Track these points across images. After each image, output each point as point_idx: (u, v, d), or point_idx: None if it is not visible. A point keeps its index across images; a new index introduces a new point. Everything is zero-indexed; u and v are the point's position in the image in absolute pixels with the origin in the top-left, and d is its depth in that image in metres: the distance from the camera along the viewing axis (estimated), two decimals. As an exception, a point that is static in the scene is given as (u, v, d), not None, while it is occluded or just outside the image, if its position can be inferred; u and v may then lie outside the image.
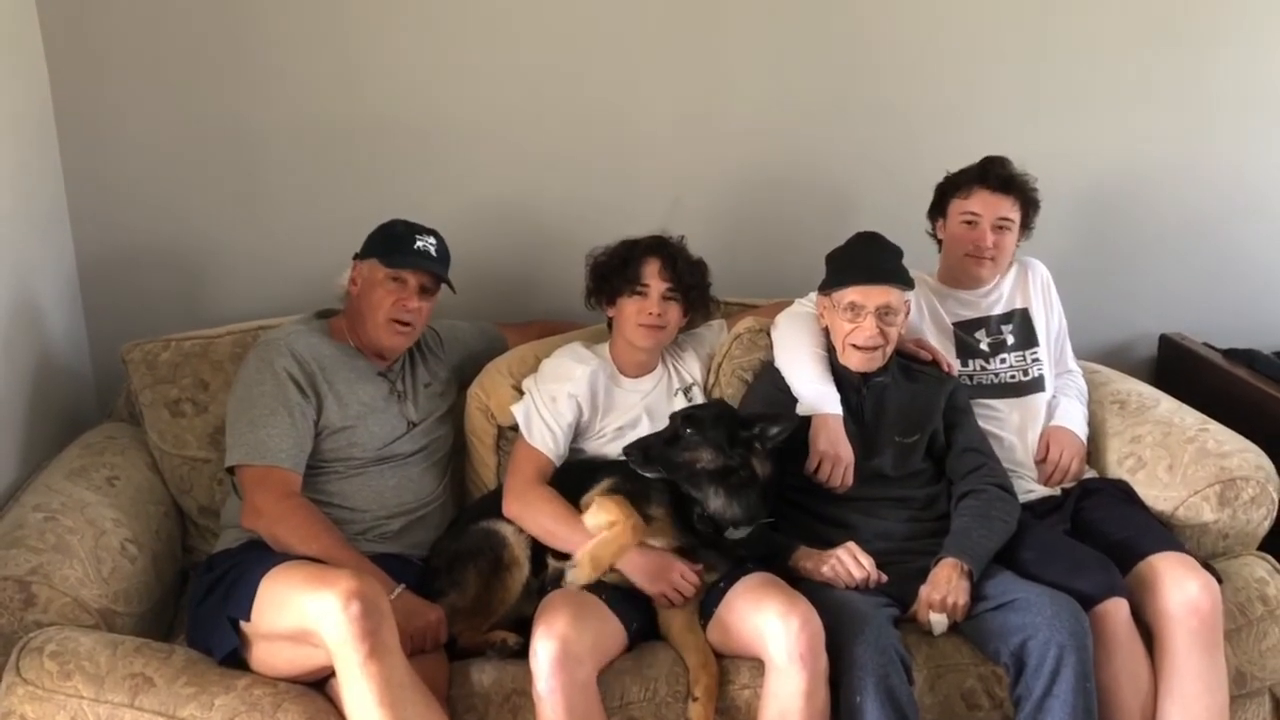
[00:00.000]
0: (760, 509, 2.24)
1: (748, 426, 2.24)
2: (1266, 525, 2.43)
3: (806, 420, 2.36)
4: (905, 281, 2.41)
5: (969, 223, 2.59)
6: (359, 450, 2.33)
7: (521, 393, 2.50)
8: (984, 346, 2.64)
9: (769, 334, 2.60)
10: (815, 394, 2.40)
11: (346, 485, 2.32)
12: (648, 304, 2.43)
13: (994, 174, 2.57)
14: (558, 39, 2.89)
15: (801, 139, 3.04)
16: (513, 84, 2.89)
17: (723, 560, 2.23)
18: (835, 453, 2.33)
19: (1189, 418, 2.58)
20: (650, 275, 2.43)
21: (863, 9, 2.99)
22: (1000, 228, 2.58)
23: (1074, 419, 2.62)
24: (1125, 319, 3.28)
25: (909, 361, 2.53)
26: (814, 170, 3.06)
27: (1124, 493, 2.50)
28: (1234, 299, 3.29)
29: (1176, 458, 2.46)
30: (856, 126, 3.05)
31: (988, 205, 2.57)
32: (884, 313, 2.37)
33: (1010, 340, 2.65)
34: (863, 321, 2.37)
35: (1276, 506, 2.41)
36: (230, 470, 2.26)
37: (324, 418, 2.30)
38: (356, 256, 2.42)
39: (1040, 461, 2.58)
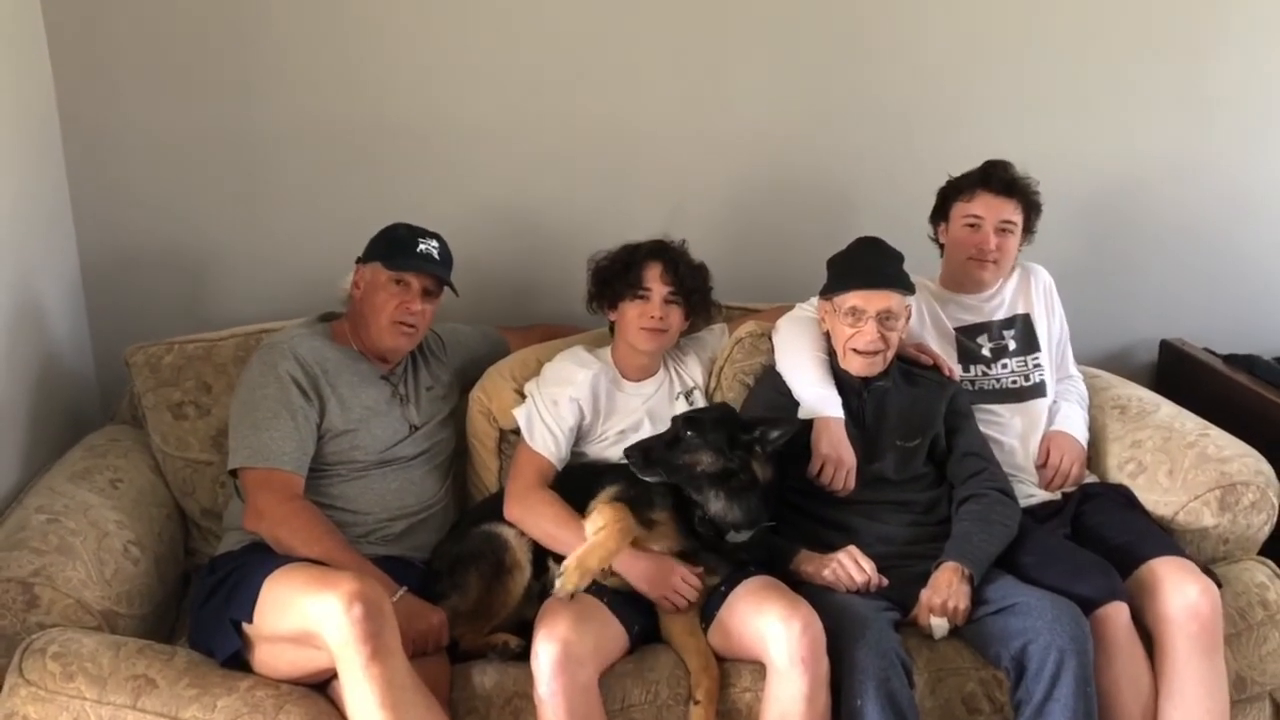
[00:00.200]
0: (761, 513, 2.24)
1: (748, 430, 2.24)
2: (1267, 530, 2.43)
3: (808, 424, 2.36)
4: (906, 286, 2.41)
5: (972, 226, 2.59)
6: (361, 453, 2.34)
7: (523, 396, 2.50)
8: (986, 352, 2.65)
9: (770, 338, 2.60)
10: (817, 397, 2.41)
11: (349, 488, 2.32)
12: (649, 308, 2.44)
13: (997, 177, 2.58)
14: (560, 44, 2.90)
15: (803, 143, 3.05)
16: (515, 88, 2.90)
17: (724, 564, 2.23)
18: (837, 456, 2.34)
19: (1189, 423, 2.59)
20: (652, 279, 2.44)
21: (863, 14, 3.00)
22: (1003, 231, 2.58)
23: (1075, 424, 2.63)
24: (1126, 324, 3.29)
25: (910, 366, 2.53)
26: (815, 174, 3.07)
27: (1124, 497, 2.50)
28: (1234, 304, 3.30)
29: (1177, 463, 2.46)
30: (857, 131, 3.05)
31: (990, 208, 2.58)
32: (885, 317, 2.37)
33: (1012, 345, 2.66)
34: (864, 326, 2.38)
35: (1277, 512, 2.41)
36: (233, 473, 2.26)
37: (326, 421, 2.30)
38: (359, 260, 2.43)
39: (1041, 466, 2.58)
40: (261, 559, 2.09)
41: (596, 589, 2.17)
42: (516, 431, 2.47)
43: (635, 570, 2.19)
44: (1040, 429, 2.61)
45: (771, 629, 2.02)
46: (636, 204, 2.96)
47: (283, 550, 2.12)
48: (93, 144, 2.77)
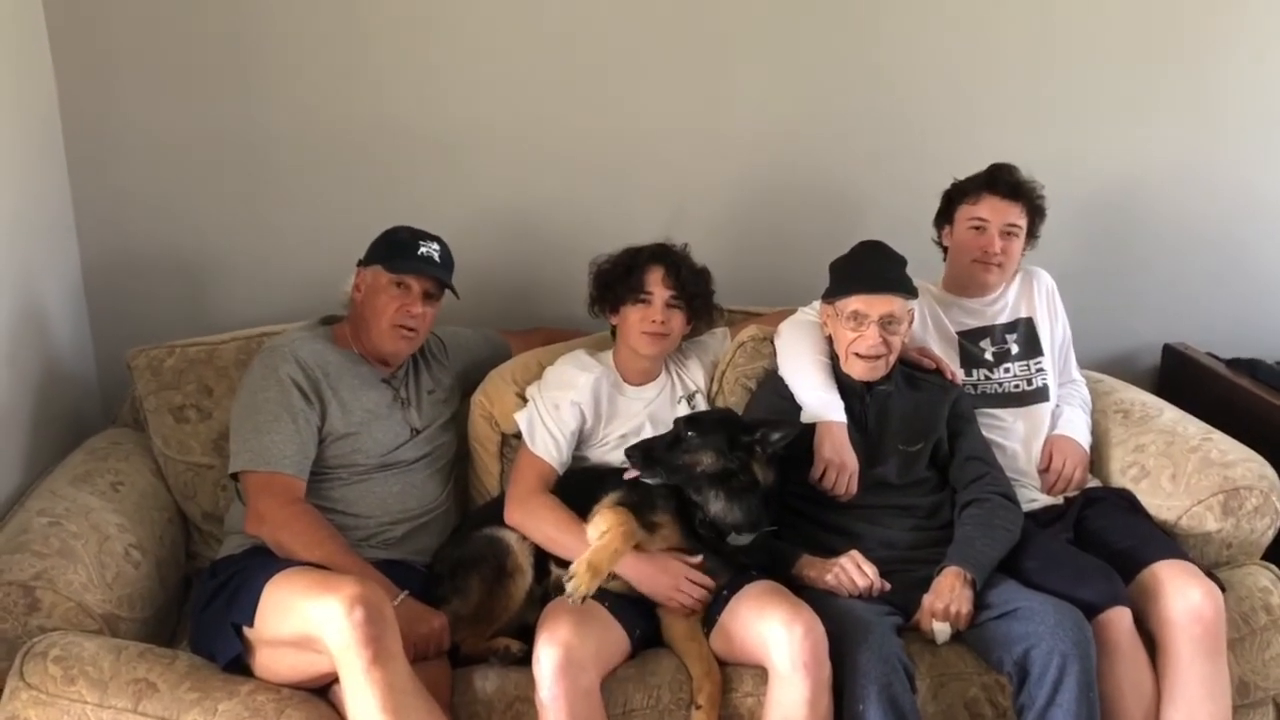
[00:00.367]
0: (762, 516, 2.24)
1: (749, 431, 2.25)
2: (1270, 535, 2.42)
3: (810, 428, 2.36)
4: (909, 290, 2.41)
5: (977, 228, 2.59)
6: (362, 457, 2.34)
7: (525, 400, 2.50)
8: (989, 356, 2.64)
9: (772, 342, 2.60)
10: (819, 402, 2.40)
11: (350, 491, 2.32)
12: (651, 312, 2.44)
13: (1003, 180, 2.58)
14: (562, 46, 2.90)
15: (805, 147, 3.05)
16: (518, 90, 2.89)
17: (726, 568, 2.23)
18: (840, 460, 2.34)
19: (1192, 427, 2.58)
20: (654, 283, 2.44)
21: (866, 18, 3.00)
22: (1008, 234, 2.58)
23: (1077, 428, 2.62)
24: (1129, 328, 3.28)
25: (913, 370, 2.53)
26: (818, 178, 3.06)
27: (1127, 502, 2.50)
28: (1237, 308, 3.29)
29: (1180, 467, 2.46)
30: (860, 135, 3.05)
31: (996, 211, 2.57)
32: (887, 322, 2.37)
33: (1015, 349, 2.65)
34: (866, 330, 2.37)
35: (1280, 516, 2.41)
36: (234, 476, 2.26)
37: (328, 424, 2.30)
38: (360, 263, 2.43)
39: (1043, 470, 2.58)
40: (263, 563, 2.09)
41: (598, 593, 2.17)
42: (518, 435, 2.47)
43: (639, 572, 2.19)
44: (1043, 433, 2.61)
45: (774, 633, 2.02)
46: (638, 207, 2.96)
47: (284, 554, 2.12)
48: (95, 147, 2.77)
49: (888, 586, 2.22)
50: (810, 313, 2.58)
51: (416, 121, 2.88)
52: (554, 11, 2.88)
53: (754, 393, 2.58)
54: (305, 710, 1.94)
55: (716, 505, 2.22)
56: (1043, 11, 3.05)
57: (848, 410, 2.40)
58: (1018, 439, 2.59)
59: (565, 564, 2.19)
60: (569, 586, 2.08)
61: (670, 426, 2.33)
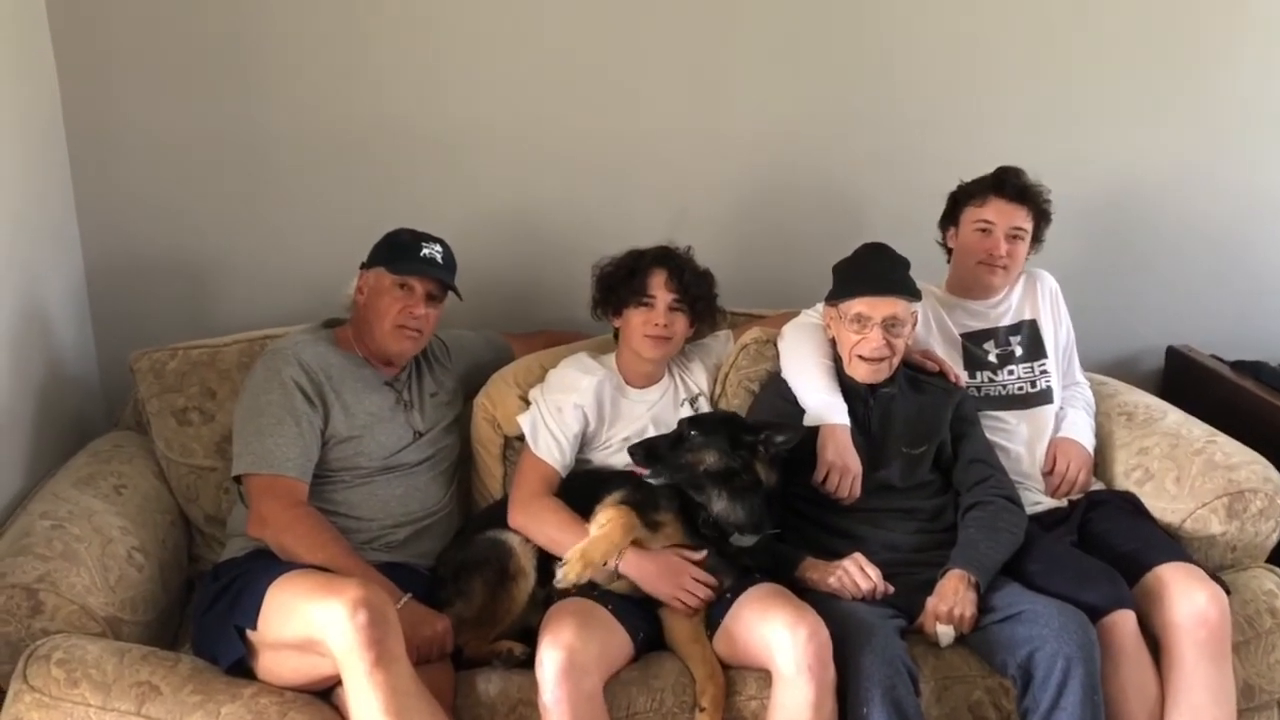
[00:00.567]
0: (765, 517, 2.24)
1: (753, 432, 2.25)
2: (1275, 538, 2.42)
3: (814, 431, 2.36)
4: (912, 293, 2.41)
5: (983, 231, 2.59)
6: (365, 459, 2.33)
7: (528, 403, 2.50)
8: (992, 358, 2.64)
9: (775, 344, 2.60)
10: (822, 404, 2.40)
11: (353, 494, 2.32)
12: (654, 315, 2.43)
13: (1010, 183, 2.58)
14: (565, 47, 2.90)
15: (808, 150, 3.04)
16: (520, 92, 2.89)
17: (729, 570, 2.22)
18: (843, 463, 2.33)
19: (1196, 429, 2.58)
20: (657, 286, 2.43)
21: (869, 20, 3.00)
22: (1013, 237, 2.58)
23: (1081, 430, 2.62)
24: (1132, 331, 3.28)
25: (916, 372, 2.52)
26: (821, 181, 3.06)
27: (1131, 504, 2.49)
28: (1241, 310, 3.29)
29: (1184, 469, 2.46)
30: (863, 137, 3.05)
31: (1002, 214, 2.57)
32: (890, 324, 2.37)
33: (1018, 352, 2.65)
34: (869, 333, 2.37)
35: (1285, 519, 2.40)
36: (237, 479, 2.26)
37: (331, 427, 2.30)
38: (363, 266, 2.43)
39: (1047, 473, 2.58)
40: (265, 565, 2.09)
41: (601, 595, 2.17)
42: (521, 438, 2.46)
43: (644, 570, 2.18)
44: (1047, 436, 2.61)
45: (777, 636, 2.01)
46: (641, 209, 2.96)
47: (287, 557, 2.12)
48: (97, 149, 2.77)
49: (891, 589, 2.21)
50: (813, 315, 2.57)
51: (419, 123, 2.88)
52: (556, 12, 2.88)
53: (757, 395, 2.57)
54: (308, 713, 1.94)
55: (719, 504, 2.22)
56: (1045, 16, 3.05)
57: (851, 413, 2.40)
58: (1021, 441, 2.58)
59: (568, 564, 2.20)
60: (558, 574, 2.09)
61: (673, 429, 2.32)
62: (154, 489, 2.46)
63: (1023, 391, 2.63)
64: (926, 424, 2.44)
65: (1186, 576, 2.19)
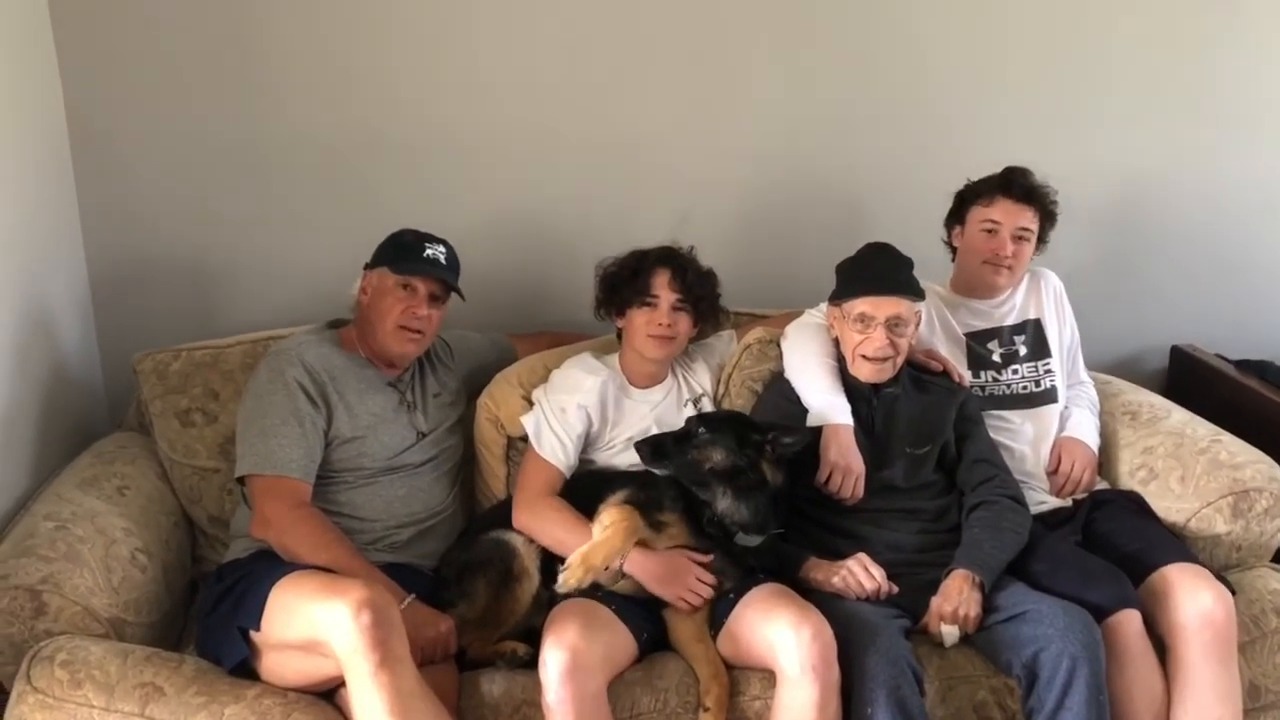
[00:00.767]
0: (769, 517, 2.23)
1: (761, 432, 2.25)
2: (1280, 537, 2.42)
3: (817, 431, 2.36)
4: (916, 292, 2.40)
5: (989, 231, 2.58)
6: (369, 460, 2.33)
7: (531, 403, 2.50)
8: (996, 357, 2.64)
9: (779, 344, 2.60)
10: (825, 404, 2.40)
11: (356, 495, 2.32)
12: (657, 315, 2.43)
13: (1017, 183, 2.57)
14: (567, 50, 2.90)
15: (812, 149, 3.04)
16: (522, 95, 2.89)
17: (733, 570, 2.22)
18: (845, 464, 2.33)
19: (1201, 429, 2.57)
20: (660, 286, 2.43)
21: (872, 21, 2.99)
22: (1019, 238, 2.57)
23: (1085, 430, 2.61)
24: (1136, 329, 3.27)
25: (920, 372, 2.52)
26: (824, 180, 3.06)
27: (1136, 504, 2.49)
28: (1246, 309, 3.28)
29: (1189, 469, 2.45)
30: (866, 137, 3.05)
31: (1009, 214, 2.57)
32: (894, 323, 2.36)
33: (1023, 351, 2.65)
34: (873, 332, 2.37)
35: (1290, 518, 2.40)
36: (240, 480, 2.26)
37: (334, 428, 2.30)
38: (367, 266, 2.43)
39: (1052, 473, 2.57)
40: (269, 566, 2.09)
41: (605, 596, 2.17)
42: (524, 438, 2.46)
43: (648, 570, 2.18)
44: (1051, 435, 2.60)
45: (782, 636, 2.01)
46: (644, 209, 2.96)
47: (290, 557, 2.12)
48: (101, 153, 2.77)
49: (895, 589, 2.21)
50: (817, 315, 2.57)
51: (422, 126, 2.88)
52: (562, 16, 2.87)
53: (760, 395, 2.57)
54: (312, 714, 1.93)
55: (724, 502, 2.22)
56: (1048, 16, 3.05)
57: (854, 413, 2.40)
58: (1026, 441, 2.58)
59: (571, 564, 2.19)
60: (560, 578, 2.09)
61: (680, 426, 2.33)
62: (157, 490, 2.46)
63: (1027, 391, 2.62)
64: (930, 424, 2.43)
65: (1192, 577, 2.19)
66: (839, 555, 2.25)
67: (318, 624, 1.87)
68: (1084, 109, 3.10)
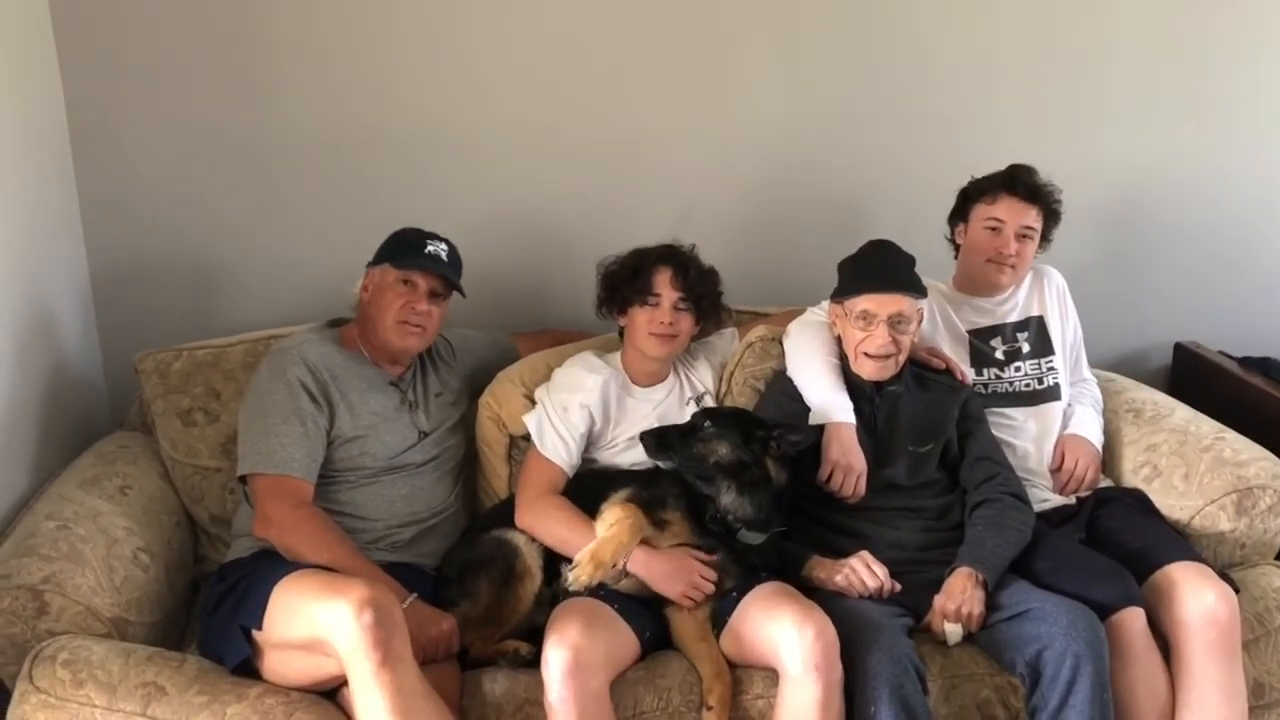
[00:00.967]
0: (772, 514, 2.23)
1: (766, 429, 2.25)
2: (1284, 535, 2.41)
3: (819, 429, 2.35)
4: (918, 290, 2.40)
5: (993, 229, 2.58)
6: (370, 459, 2.33)
7: (533, 402, 2.49)
8: (999, 355, 2.63)
9: (781, 342, 2.59)
10: (828, 403, 2.39)
11: (358, 494, 2.31)
12: (659, 313, 2.43)
13: (1021, 182, 2.57)
14: (568, 49, 2.89)
15: (814, 147, 3.04)
16: (524, 94, 2.89)
17: (736, 569, 2.22)
18: (847, 462, 2.32)
19: (1205, 426, 2.57)
20: (662, 285, 2.43)
21: (875, 20, 2.99)
22: (1023, 236, 2.57)
23: (1089, 427, 2.61)
24: (1140, 327, 3.27)
25: (922, 370, 2.52)
26: (826, 178, 3.06)
27: (1140, 502, 2.48)
28: (1250, 307, 3.28)
29: (1192, 466, 2.45)
30: (869, 135, 3.04)
31: (1013, 212, 2.56)
32: (896, 321, 2.36)
33: (1026, 348, 2.64)
34: (875, 330, 2.36)
35: (1294, 515, 2.39)
36: (242, 479, 2.26)
37: (336, 427, 2.30)
38: (369, 263, 2.43)
39: (1055, 470, 2.57)
40: (271, 566, 2.08)
41: (607, 595, 2.17)
42: (526, 437, 2.46)
43: (651, 568, 2.18)
44: (1054, 433, 2.60)
45: (784, 635, 2.01)
46: (646, 208, 2.96)
47: (292, 557, 2.12)
48: (101, 150, 2.77)
49: (898, 587, 2.21)
50: (819, 313, 2.57)
51: (424, 124, 2.88)
52: (563, 14, 2.87)
53: (762, 394, 2.57)
54: (314, 713, 1.93)
55: (727, 497, 2.21)
56: (1052, 15, 3.04)
57: (857, 411, 2.39)
58: (1029, 438, 2.57)
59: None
60: (570, 576, 2.09)
61: (686, 420, 2.33)
62: (159, 490, 2.46)
63: (1030, 388, 2.62)
64: (933, 422, 2.43)
65: (1196, 575, 2.18)
66: (842, 553, 2.25)
67: (319, 623, 1.86)
68: (1084, 109, 3.10)
